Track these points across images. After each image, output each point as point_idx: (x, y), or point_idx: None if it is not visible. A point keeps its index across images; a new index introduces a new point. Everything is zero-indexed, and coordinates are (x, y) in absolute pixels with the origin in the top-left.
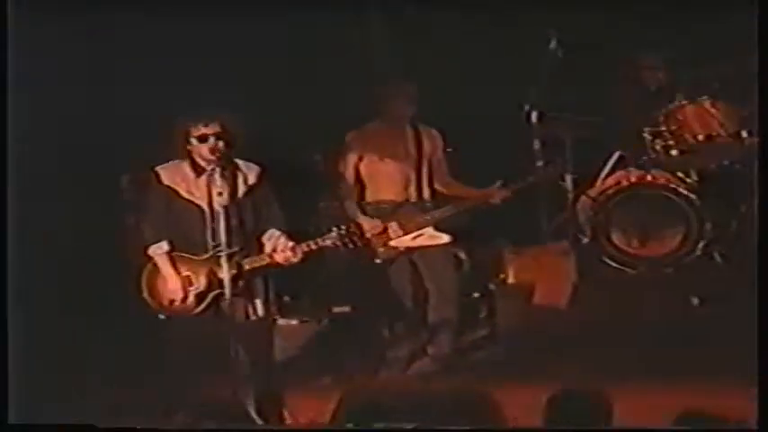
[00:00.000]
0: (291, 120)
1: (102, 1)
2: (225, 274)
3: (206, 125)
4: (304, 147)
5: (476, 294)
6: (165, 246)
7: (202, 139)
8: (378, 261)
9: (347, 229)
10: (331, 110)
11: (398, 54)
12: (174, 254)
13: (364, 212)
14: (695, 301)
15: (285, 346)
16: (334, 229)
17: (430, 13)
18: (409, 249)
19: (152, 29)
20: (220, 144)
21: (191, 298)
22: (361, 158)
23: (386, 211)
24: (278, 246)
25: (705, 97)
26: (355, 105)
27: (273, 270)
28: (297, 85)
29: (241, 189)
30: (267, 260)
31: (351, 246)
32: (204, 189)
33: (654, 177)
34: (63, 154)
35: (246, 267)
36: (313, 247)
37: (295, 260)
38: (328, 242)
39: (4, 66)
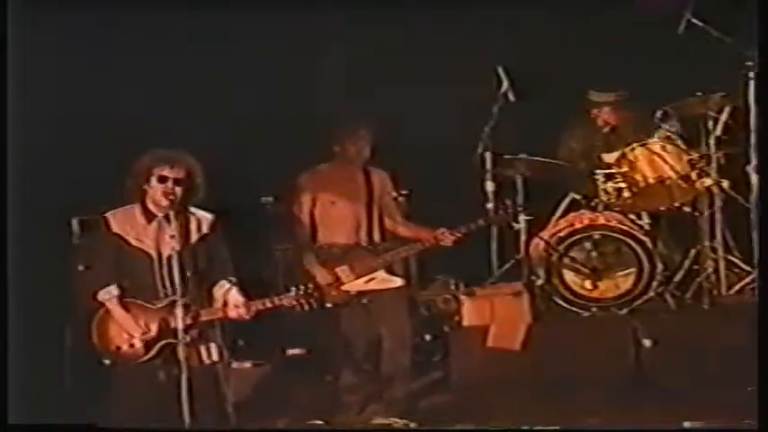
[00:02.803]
0: (241, 162)
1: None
2: (179, 324)
3: (171, 167)
4: (255, 189)
5: (429, 337)
6: (114, 290)
7: (162, 179)
8: (328, 305)
9: (305, 290)
10: (281, 151)
11: (352, 95)
12: (127, 300)
13: (317, 257)
14: (648, 342)
15: (239, 390)
16: (293, 289)
17: (382, 53)
18: (361, 293)
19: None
20: (177, 189)
21: (139, 344)
22: (314, 201)
23: (337, 255)
24: (229, 299)
25: (656, 139)
26: (306, 147)
27: None
28: (248, 126)
29: (194, 236)
30: (220, 314)
31: (308, 307)
32: (154, 236)
33: (606, 219)
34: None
35: (202, 319)
36: (268, 305)
37: (247, 317)
38: (285, 302)
39: (4, 66)
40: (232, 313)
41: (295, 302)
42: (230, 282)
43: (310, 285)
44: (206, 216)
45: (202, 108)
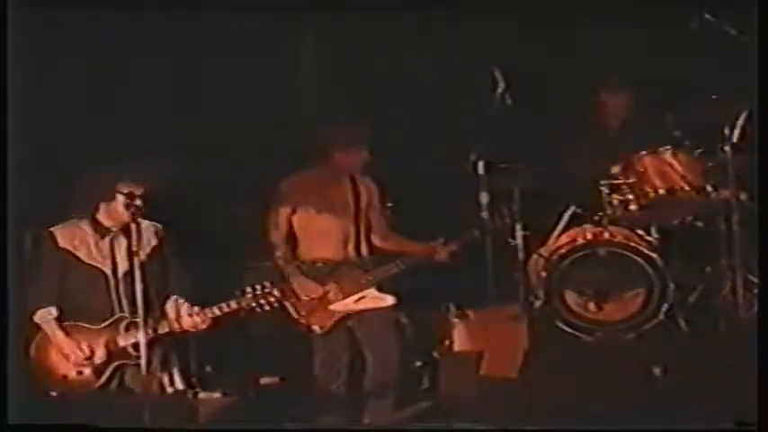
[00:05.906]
0: (210, 168)
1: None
2: (142, 342)
3: (137, 183)
4: (226, 200)
5: (418, 363)
6: (53, 311)
7: (129, 196)
8: (316, 329)
9: (262, 289)
10: (255, 158)
11: (336, 98)
12: (66, 324)
13: (302, 273)
14: (657, 370)
15: (206, 423)
16: (249, 289)
17: (371, 57)
18: (350, 315)
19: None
20: (139, 204)
21: (87, 372)
22: (294, 211)
23: (323, 272)
24: (182, 311)
25: (667, 147)
26: (286, 153)
27: (193, 338)
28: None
29: (147, 250)
30: (175, 327)
31: (267, 308)
32: (108, 251)
33: (612, 234)
34: None
35: (160, 332)
36: (225, 310)
37: (203, 326)
38: (242, 304)
39: (4, 66)
40: (187, 322)
41: (254, 304)
42: (183, 297)
43: (267, 283)
44: (154, 226)
45: (172, 110)
